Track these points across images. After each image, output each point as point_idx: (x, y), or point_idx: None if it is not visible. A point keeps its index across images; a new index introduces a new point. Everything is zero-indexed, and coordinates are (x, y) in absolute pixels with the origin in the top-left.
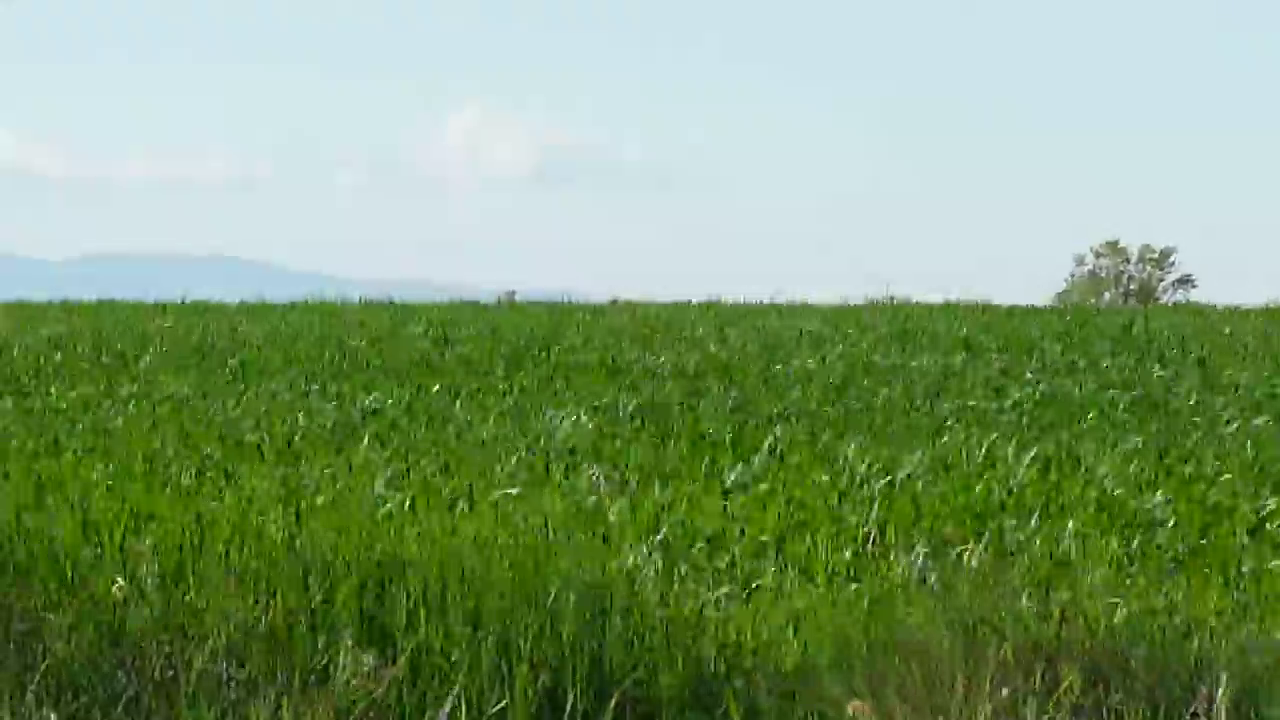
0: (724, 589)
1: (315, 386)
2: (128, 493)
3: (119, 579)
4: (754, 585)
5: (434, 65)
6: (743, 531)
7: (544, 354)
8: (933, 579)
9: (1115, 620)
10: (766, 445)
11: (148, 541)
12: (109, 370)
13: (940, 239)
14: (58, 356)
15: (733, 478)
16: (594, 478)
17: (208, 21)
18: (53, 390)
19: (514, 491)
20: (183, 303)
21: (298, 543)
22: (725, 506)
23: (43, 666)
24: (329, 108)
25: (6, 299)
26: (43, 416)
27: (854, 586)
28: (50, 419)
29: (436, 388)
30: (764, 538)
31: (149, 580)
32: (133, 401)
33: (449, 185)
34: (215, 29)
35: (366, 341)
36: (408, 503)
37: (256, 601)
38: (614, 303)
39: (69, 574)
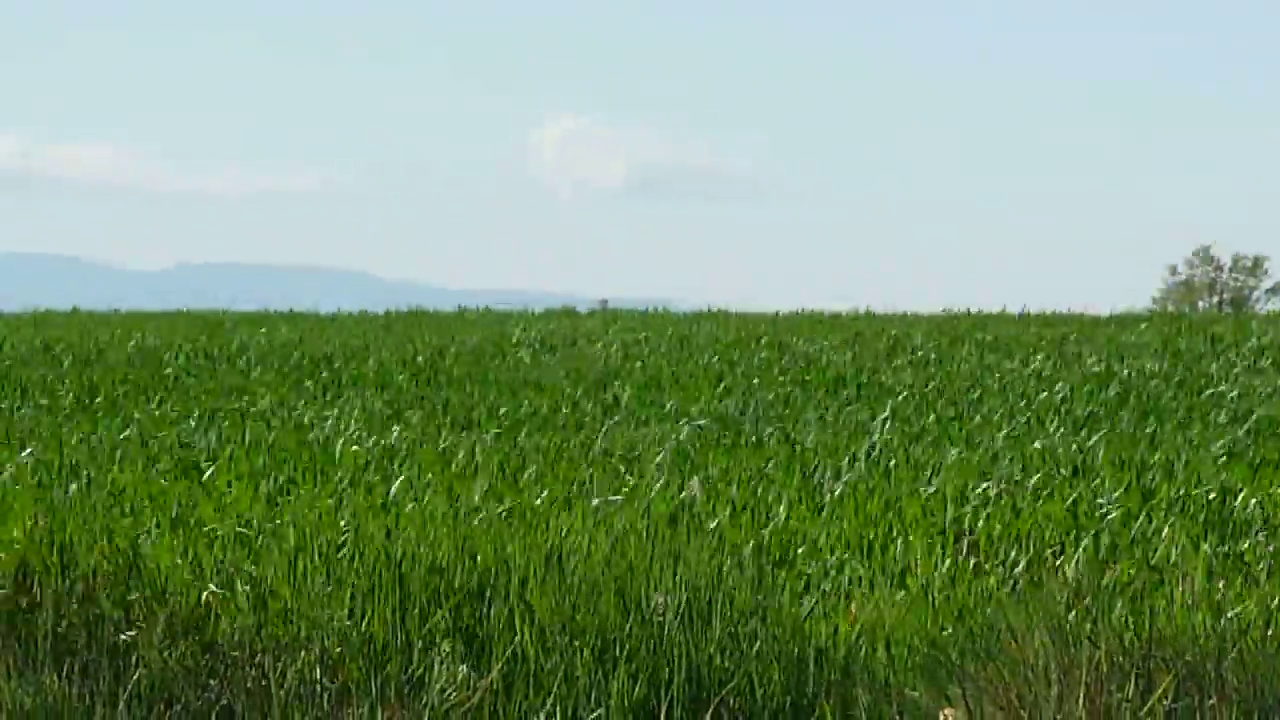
0: (819, 595)
1: (410, 398)
2: (221, 501)
3: (213, 585)
4: (847, 591)
5: (529, 76)
6: (838, 536)
7: (640, 363)
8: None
9: (1209, 627)
10: (864, 451)
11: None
12: (200, 382)
13: (1029, 252)
14: (147, 368)
15: (829, 483)
16: (691, 484)
17: (299, 32)
18: (150, 405)
19: (613, 499)
20: (273, 312)
21: (395, 551)
22: (821, 512)
23: (135, 676)
24: (422, 118)
25: (100, 308)
26: (137, 431)
27: (948, 593)
28: (147, 434)
29: (533, 399)
30: (858, 543)
31: (244, 589)
32: (224, 415)
33: (544, 196)
34: (308, 39)
35: (463, 352)
36: (505, 511)
37: (352, 611)
38: (709, 311)
39: (162, 584)
